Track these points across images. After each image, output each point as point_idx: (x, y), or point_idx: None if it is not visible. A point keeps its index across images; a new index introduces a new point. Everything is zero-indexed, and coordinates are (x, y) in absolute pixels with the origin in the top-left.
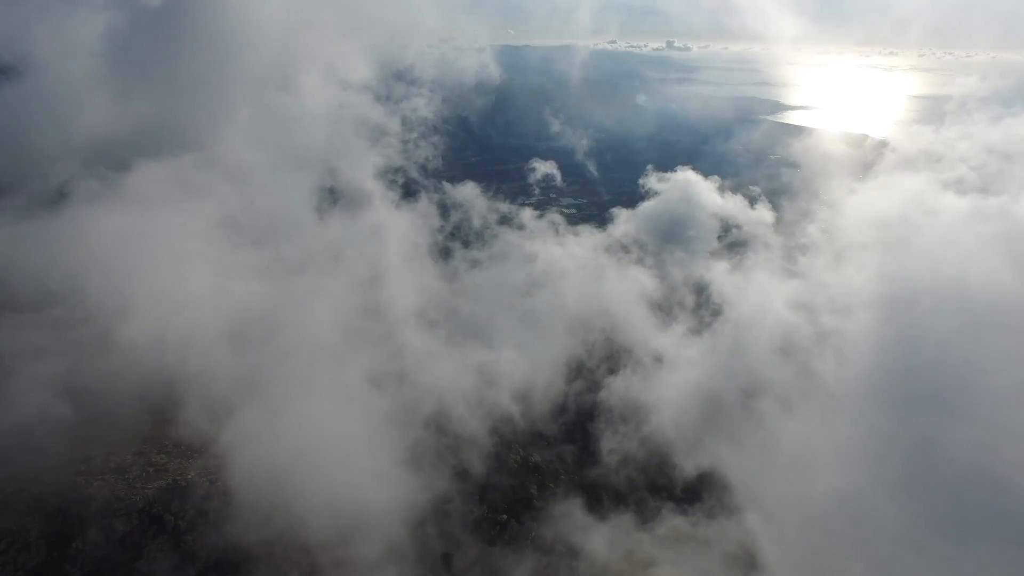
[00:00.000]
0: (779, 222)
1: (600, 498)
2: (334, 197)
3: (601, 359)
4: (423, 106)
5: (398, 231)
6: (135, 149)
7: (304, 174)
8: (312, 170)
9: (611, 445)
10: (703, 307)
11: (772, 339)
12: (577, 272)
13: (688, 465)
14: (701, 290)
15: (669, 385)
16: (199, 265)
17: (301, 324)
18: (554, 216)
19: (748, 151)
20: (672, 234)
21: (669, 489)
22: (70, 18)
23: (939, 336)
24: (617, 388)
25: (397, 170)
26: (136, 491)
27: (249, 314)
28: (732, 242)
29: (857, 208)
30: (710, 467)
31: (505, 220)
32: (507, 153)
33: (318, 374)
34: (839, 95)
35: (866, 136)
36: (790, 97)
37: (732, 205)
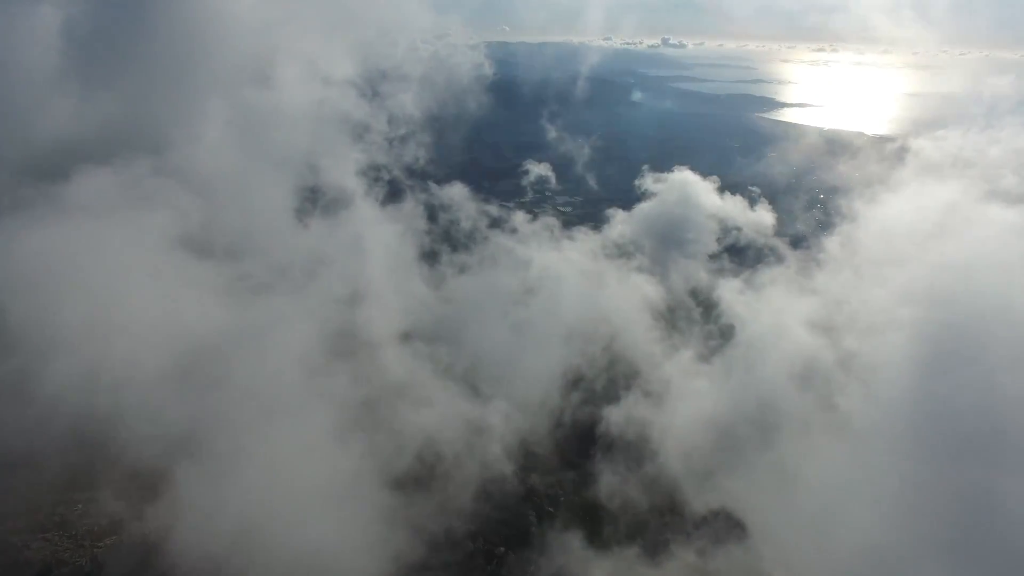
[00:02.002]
0: (785, 227)
1: (602, 529)
2: (311, 203)
3: (601, 370)
4: (412, 103)
5: (381, 240)
6: (88, 153)
7: (278, 178)
8: (288, 174)
9: (614, 472)
10: (710, 320)
11: (790, 364)
12: (574, 278)
13: (698, 499)
14: (709, 303)
15: (675, 411)
16: (147, 287)
17: (265, 355)
18: (549, 219)
19: (746, 149)
20: (671, 236)
21: (677, 520)
22: (21, 8)
23: (991, 368)
24: (620, 412)
25: (380, 169)
26: (83, 551)
27: (202, 345)
28: (732, 245)
29: (877, 216)
30: (721, 504)
31: (497, 222)
32: (500, 150)
33: (284, 414)
34: (837, 93)
35: (869, 135)
36: (787, 95)
37: (732, 206)
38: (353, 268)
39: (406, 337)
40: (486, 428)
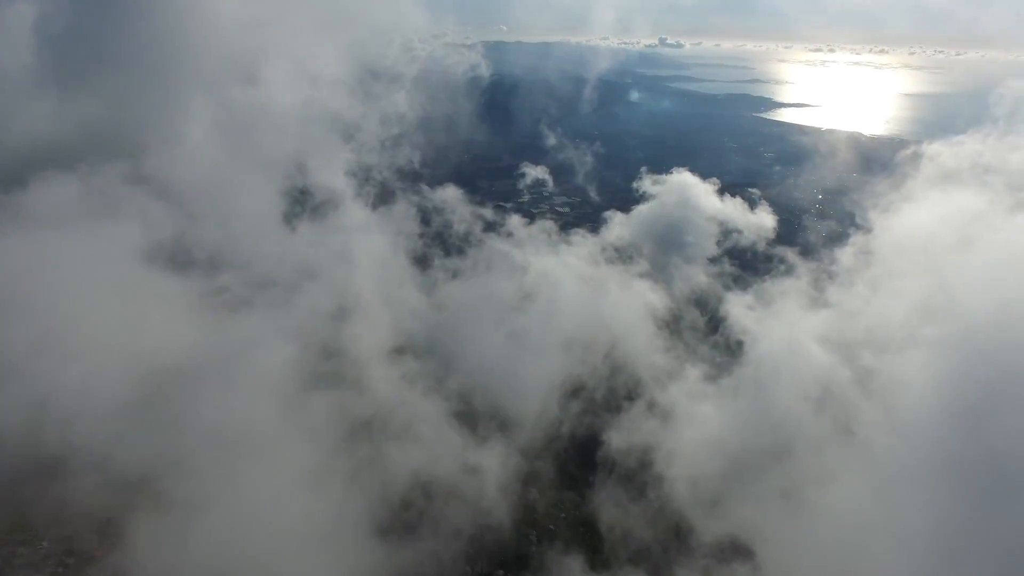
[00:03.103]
0: (789, 232)
1: (603, 550)
2: (297, 208)
3: (601, 380)
4: (406, 104)
5: (371, 246)
6: (55, 158)
7: (261, 183)
8: (271, 178)
9: (616, 490)
10: (715, 331)
11: (803, 383)
12: (572, 284)
13: (705, 524)
14: (711, 310)
15: (680, 430)
16: (108, 305)
17: (238, 382)
18: (546, 221)
19: (745, 150)
20: (670, 239)
21: (682, 543)
22: None
23: (1021, 389)
24: (622, 428)
25: (371, 171)
26: None
27: (168, 372)
28: (733, 248)
29: (892, 224)
30: (729, 531)
31: (493, 226)
32: (496, 151)
33: (260, 451)
34: (835, 92)
35: (868, 136)
36: (785, 94)
37: (732, 209)
38: (340, 278)
39: (396, 352)
40: (483, 445)
